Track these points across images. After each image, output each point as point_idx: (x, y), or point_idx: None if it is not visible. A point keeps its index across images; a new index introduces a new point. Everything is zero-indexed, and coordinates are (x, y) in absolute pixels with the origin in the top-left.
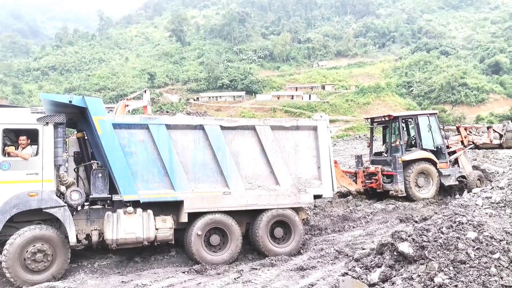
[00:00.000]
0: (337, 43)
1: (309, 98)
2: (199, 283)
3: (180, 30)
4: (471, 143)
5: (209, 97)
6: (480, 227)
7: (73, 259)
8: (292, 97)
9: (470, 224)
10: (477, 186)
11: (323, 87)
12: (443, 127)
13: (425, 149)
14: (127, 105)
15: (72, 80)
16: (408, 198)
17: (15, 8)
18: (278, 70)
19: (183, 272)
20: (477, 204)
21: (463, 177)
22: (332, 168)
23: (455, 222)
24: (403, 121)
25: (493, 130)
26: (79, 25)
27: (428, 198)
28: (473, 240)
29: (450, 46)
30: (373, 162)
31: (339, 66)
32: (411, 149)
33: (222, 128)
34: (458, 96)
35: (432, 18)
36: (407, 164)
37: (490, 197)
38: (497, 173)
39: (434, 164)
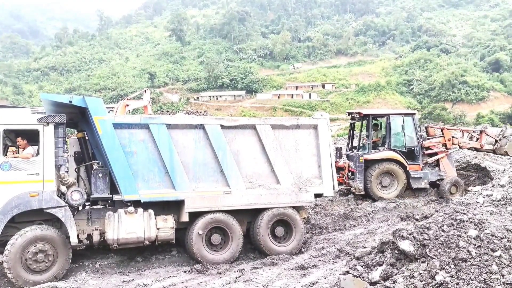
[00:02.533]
0: (337, 41)
1: (310, 97)
2: (201, 282)
3: (180, 30)
4: (457, 146)
5: (209, 97)
6: (481, 225)
7: (74, 259)
8: (292, 96)
9: (471, 222)
10: (450, 193)
11: (323, 86)
12: (420, 127)
13: (393, 150)
14: (128, 105)
15: (72, 80)
16: (369, 196)
17: (15, 9)
18: (278, 69)
19: (185, 272)
20: (478, 202)
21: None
22: (333, 167)
23: (456, 220)
24: (375, 119)
25: (486, 134)
26: (79, 25)
27: (390, 199)
28: (474, 238)
29: (450, 44)
30: (348, 157)
31: (339, 64)
32: (381, 148)
33: (223, 127)
34: (458, 94)
35: (432, 16)
36: (372, 163)
37: (491, 195)
38: (498, 171)
39: (402, 165)
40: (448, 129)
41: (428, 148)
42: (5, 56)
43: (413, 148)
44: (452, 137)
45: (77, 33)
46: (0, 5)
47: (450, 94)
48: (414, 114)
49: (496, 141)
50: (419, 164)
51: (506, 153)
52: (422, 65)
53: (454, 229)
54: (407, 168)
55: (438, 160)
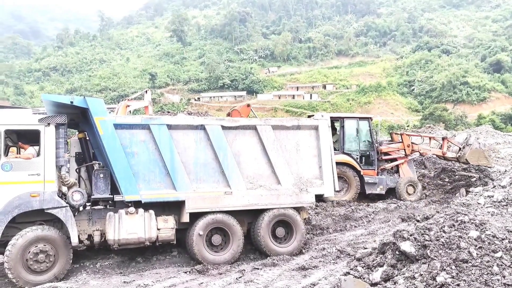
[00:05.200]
0: (338, 42)
1: (310, 98)
2: (201, 283)
3: (181, 30)
4: (417, 152)
5: (210, 97)
6: (482, 226)
7: (75, 259)
8: (293, 96)
9: (472, 223)
10: (408, 193)
11: (324, 87)
12: (376, 133)
13: (347, 153)
14: (128, 106)
15: (74, 81)
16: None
17: (16, 9)
18: (278, 69)
19: (185, 272)
20: (479, 203)
21: None
22: (334, 168)
23: (457, 221)
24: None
25: (450, 142)
26: (80, 25)
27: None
28: (475, 239)
29: (451, 45)
30: None
31: (340, 65)
32: (336, 151)
33: (224, 128)
34: (459, 94)
35: (433, 16)
36: None
37: (492, 196)
38: (499, 172)
39: (356, 169)
40: (408, 135)
41: (386, 154)
42: (7, 56)
43: (368, 153)
44: (412, 143)
45: (78, 33)
46: (1, 6)
47: (451, 95)
48: (370, 118)
49: (459, 149)
50: (375, 169)
51: (467, 161)
52: (423, 66)
53: (455, 230)
54: (361, 173)
55: (398, 167)
